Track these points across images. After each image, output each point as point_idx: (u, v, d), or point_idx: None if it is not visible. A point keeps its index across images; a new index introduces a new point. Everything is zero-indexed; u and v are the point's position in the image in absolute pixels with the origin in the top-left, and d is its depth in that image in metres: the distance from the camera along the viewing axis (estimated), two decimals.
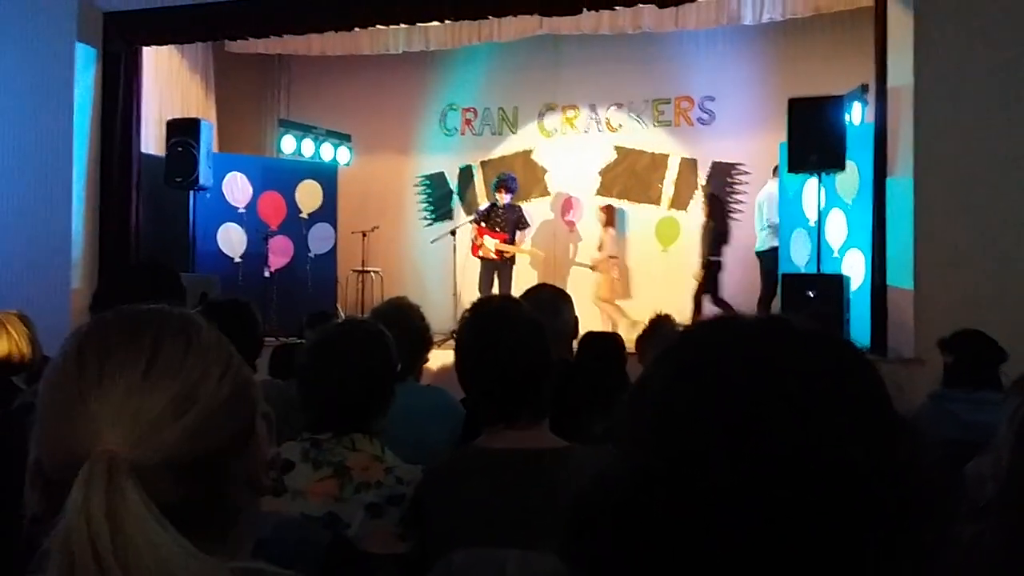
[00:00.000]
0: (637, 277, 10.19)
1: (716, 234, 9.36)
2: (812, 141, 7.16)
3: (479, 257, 9.59)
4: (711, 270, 9.30)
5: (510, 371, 2.04)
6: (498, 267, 9.47)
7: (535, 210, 10.76)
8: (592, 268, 10.01)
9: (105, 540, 0.78)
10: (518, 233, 9.67)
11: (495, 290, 9.32)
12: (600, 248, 9.98)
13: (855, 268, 7.62)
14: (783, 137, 7.71)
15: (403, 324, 3.15)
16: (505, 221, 9.58)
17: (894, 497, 0.65)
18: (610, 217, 10.04)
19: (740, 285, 9.60)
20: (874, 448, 0.66)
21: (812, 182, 7.69)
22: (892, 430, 0.69)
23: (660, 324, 5.01)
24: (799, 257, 8.44)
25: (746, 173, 10.14)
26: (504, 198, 9.60)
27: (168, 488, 0.87)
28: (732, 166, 10.24)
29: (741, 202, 10.12)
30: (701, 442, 0.66)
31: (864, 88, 7.88)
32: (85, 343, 0.94)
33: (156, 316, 0.98)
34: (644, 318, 5.12)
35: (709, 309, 9.05)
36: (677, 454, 0.67)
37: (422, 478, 2.12)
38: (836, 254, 7.97)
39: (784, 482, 0.64)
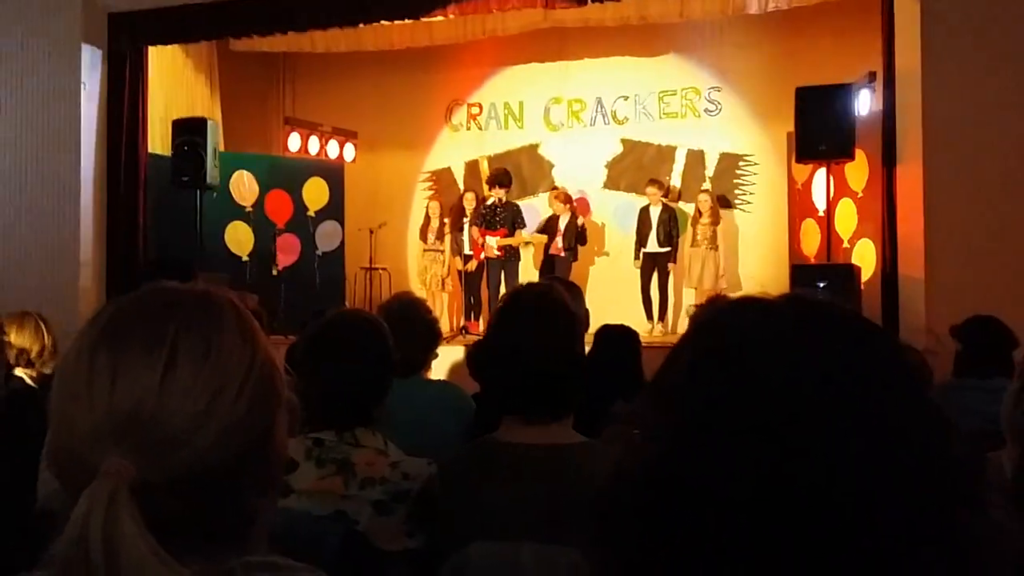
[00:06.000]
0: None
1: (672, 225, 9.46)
2: (820, 130, 7.12)
3: (484, 259, 9.53)
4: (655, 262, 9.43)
5: (539, 366, 1.93)
6: (504, 264, 9.40)
7: (542, 204, 10.73)
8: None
9: (100, 569, 0.75)
10: (516, 231, 9.60)
11: (502, 288, 9.29)
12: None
13: (866, 258, 7.58)
14: (791, 127, 7.66)
15: (411, 319, 3.15)
16: (504, 218, 9.47)
17: (932, 486, 0.61)
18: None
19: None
20: (911, 436, 0.63)
21: (821, 172, 7.64)
22: (928, 415, 0.65)
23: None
24: (808, 248, 8.40)
25: (754, 164, 10.09)
26: (500, 194, 9.50)
27: (178, 502, 0.82)
28: (740, 157, 10.20)
29: (751, 193, 10.08)
30: (722, 437, 0.62)
31: (872, 76, 7.81)
32: (99, 340, 0.88)
33: (175, 308, 0.90)
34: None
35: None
36: (697, 450, 0.63)
37: (435, 473, 2.07)
38: (846, 244, 7.93)
39: (815, 478, 0.60)
